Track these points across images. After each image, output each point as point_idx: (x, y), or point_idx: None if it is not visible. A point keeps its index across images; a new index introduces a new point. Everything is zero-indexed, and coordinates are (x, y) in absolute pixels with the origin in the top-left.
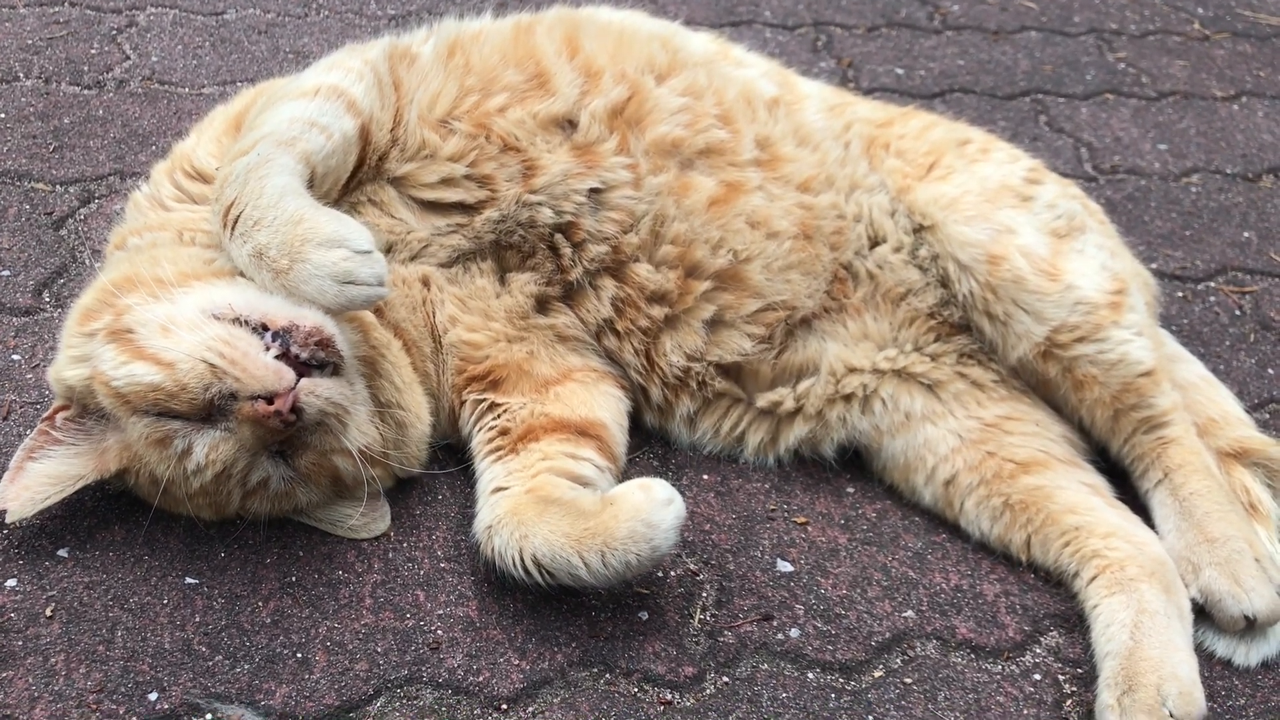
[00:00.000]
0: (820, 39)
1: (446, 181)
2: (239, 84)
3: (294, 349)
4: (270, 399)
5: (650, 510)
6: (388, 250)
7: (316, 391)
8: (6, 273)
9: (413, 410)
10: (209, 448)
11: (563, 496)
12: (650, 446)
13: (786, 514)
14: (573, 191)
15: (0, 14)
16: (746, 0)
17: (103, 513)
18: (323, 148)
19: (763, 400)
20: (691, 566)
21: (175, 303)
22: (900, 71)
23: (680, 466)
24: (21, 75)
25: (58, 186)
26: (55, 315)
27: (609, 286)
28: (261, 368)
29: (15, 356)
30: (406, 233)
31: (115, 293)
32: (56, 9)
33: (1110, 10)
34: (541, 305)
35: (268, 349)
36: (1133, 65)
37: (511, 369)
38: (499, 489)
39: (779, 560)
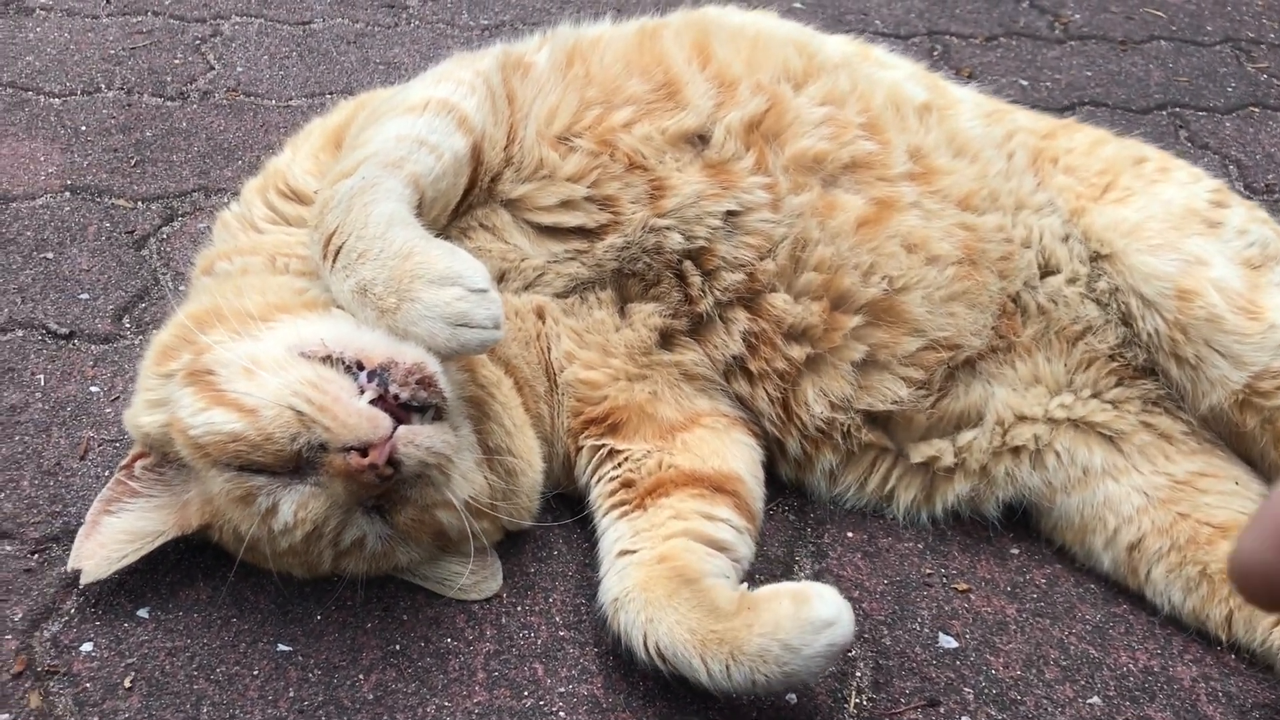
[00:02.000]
0: (936, 49)
1: (566, 204)
2: (328, 96)
3: (393, 389)
4: (364, 450)
5: (794, 632)
6: (500, 278)
7: (416, 440)
8: (85, 296)
9: (524, 456)
10: (297, 505)
11: (699, 574)
12: (785, 498)
13: (945, 579)
14: (706, 214)
15: (83, 24)
16: (855, 9)
17: (186, 567)
18: (432, 170)
19: (917, 454)
20: None
21: (261, 340)
22: (1024, 83)
23: (820, 522)
24: (103, 86)
25: (139, 203)
26: (136, 343)
27: (740, 319)
28: (354, 414)
29: (94, 388)
30: (520, 260)
31: (195, 328)
32: (139, 18)
33: (1245, 19)
34: (666, 340)
35: (362, 391)
36: (1276, 76)
37: (632, 411)
38: (626, 552)
39: (941, 634)
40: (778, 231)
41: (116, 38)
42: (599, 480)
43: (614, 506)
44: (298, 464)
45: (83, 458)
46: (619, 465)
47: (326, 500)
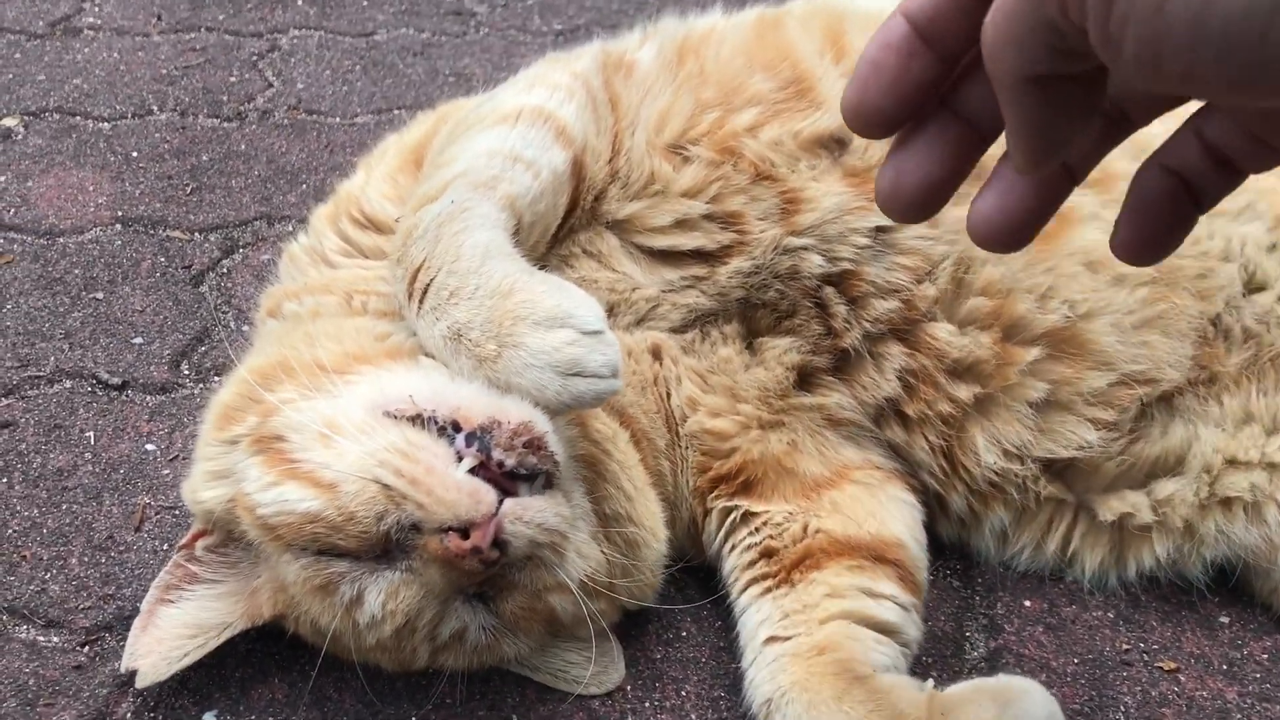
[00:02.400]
0: None
1: (681, 224)
2: (396, 112)
3: (496, 454)
4: (465, 531)
5: None
6: (608, 312)
7: (526, 516)
8: (139, 340)
9: (646, 524)
10: (386, 595)
11: (870, 668)
12: (945, 560)
13: (1146, 657)
14: (851, 231)
15: (132, 43)
16: None
17: (258, 660)
18: (529, 189)
19: (1106, 510)
20: None
21: (338, 398)
22: None
23: (990, 588)
24: (155, 109)
25: (196, 234)
26: (196, 392)
27: (895, 355)
28: (452, 488)
29: (150, 446)
30: (631, 290)
31: (261, 385)
32: (192, 35)
33: None
34: (804, 380)
35: (460, 458)
36: None
37: (768, 466)
38: (775, 639)
39: None
40: (937, 250)
41: (168, 56)
42: (733, 549)
43: (754, 581)
44: (386, 547)
45: (137, 528)
46: (756, 531)
47: (420, 589)
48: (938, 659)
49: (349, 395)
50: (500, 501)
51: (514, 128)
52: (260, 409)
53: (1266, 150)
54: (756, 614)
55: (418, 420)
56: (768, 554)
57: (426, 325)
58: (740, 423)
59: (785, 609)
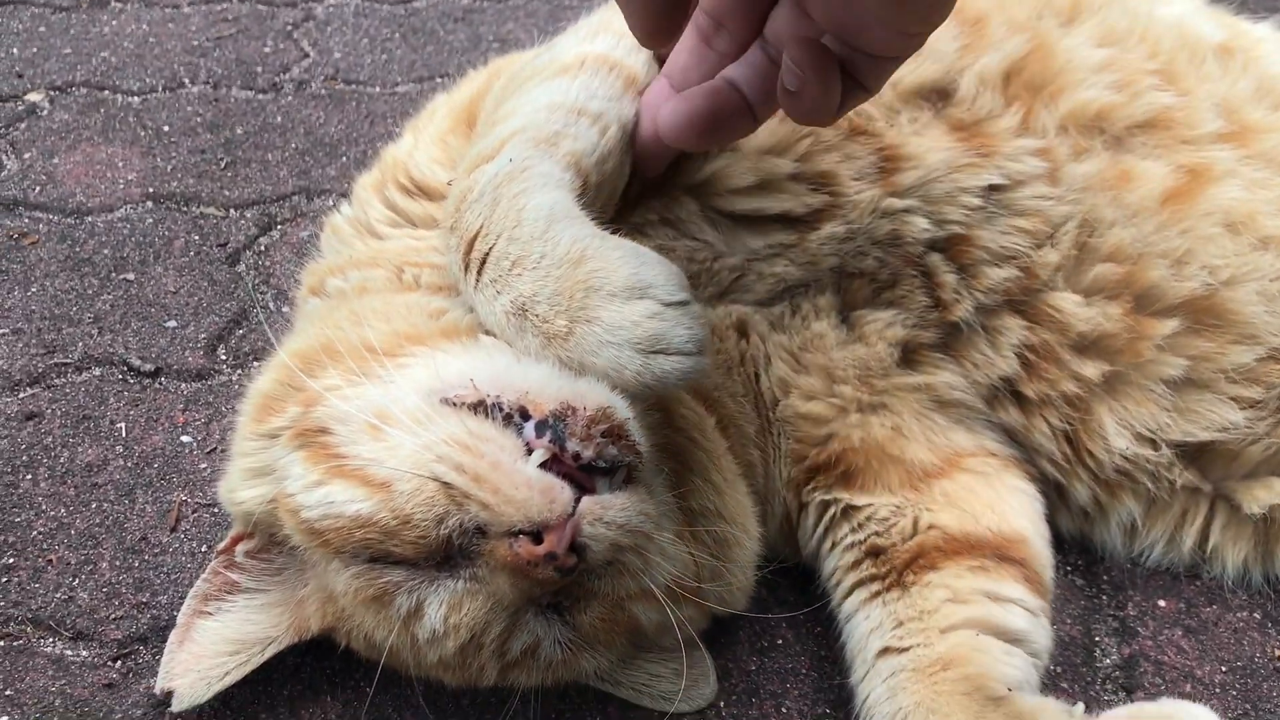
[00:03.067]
0: None
1: (765, 185)
2: (438, 80)
3: (571, 445)
4: (537, 534)
5: None
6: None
7: (606, 516)
8: (172, 324)
9: (738, 521)
10: (448, 608)
11: (1004, 686)
12: (1065, 556)
13: None
14: (960, 190)
15: (162, 14)
16: None
17: (308, 676)
18: (596, 146)
19: (1252, 501)
20: None
21: (389, 383)
22: None
23: (1118, 587)
24: (187, 81)
25: (231, 210)
26: (234, 379)
27: (1013, 329)
28: (522, 485)
29: (185, 438)
30: (712, 259)
31: (303, 369)
32: (224, 5)
33: None
34: (908, 357)
35: (529, 451)
36: None
37: (870, 453)
38: (890, 650)
39: None
40: (1058, 210)
41: (200, 27)
42: (834, 548)
43: (860, 584)
44: (447, 553)
45: (173, 529)
46: (859, 527)
47: (487, 600)
48: (1067, 668)
49: (401, 380)
50: (577, 500)
51: (576, 78)
52: (302, 398)
53: None
54: (866, 621)
55: (480, 408)
56: (874, 553)
57: (486, 300)
58: (838, 406)
59: (899, 615)
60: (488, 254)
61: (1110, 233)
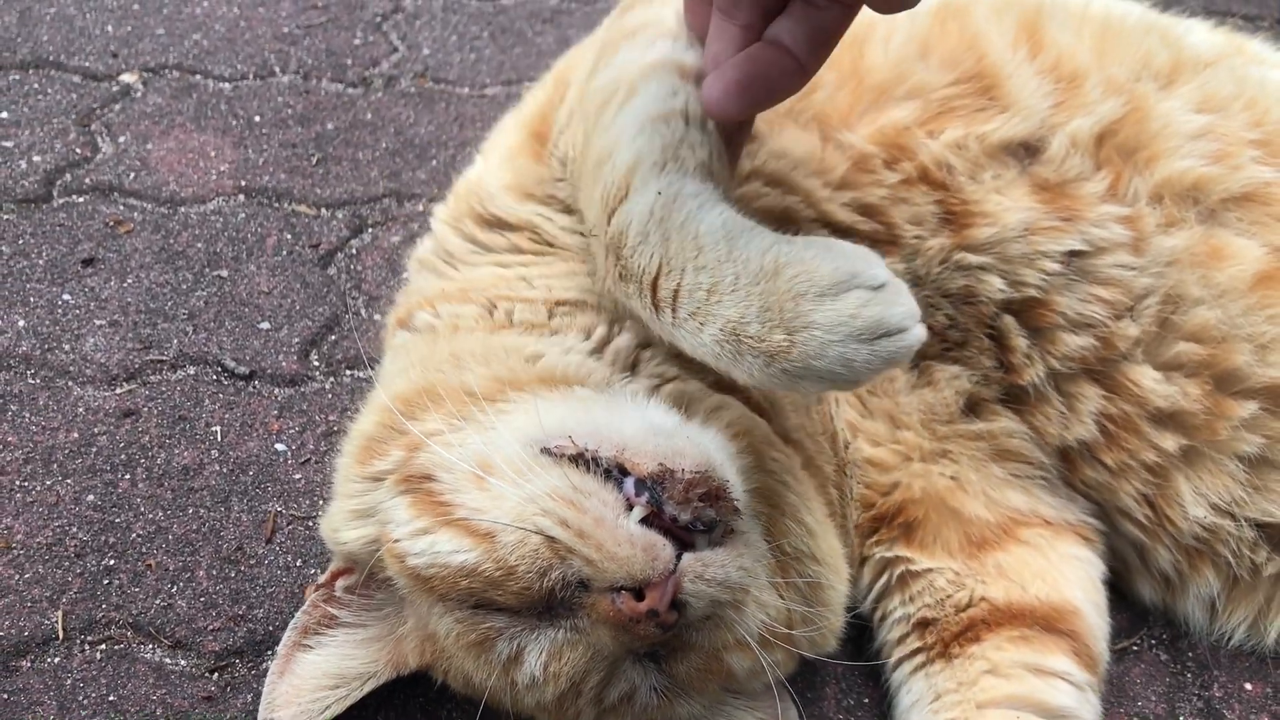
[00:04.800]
0: None
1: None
2: (527, 84)
3: (669, 510)
4: (639, 591)
5: None
6: None
7: (707, 574)
8: (265, 325)
9: (829, 563)
10: (548, 656)
11: None
12: (1150, 629)
13: None
14: (1038, 254)
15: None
16: None
17: (401, 704)
18: (709, 142)
19: None
20: None
21: (491, 429)
22: None
23: (1204, 666)
24: (277, 70)
25: (323, 210)
26: (327, 386)
27: (1091, 397)
28: (625, 543)
29: (279, 446)
30: None
31: (405, 413)
32: None
33: None
34: (972, 406)
35: (630, 506)
36: None
37: (930, 505)
38: None
39: None
40: (1141, 282)
41: (290, 14)
42: (885, 619)
43: (907, 657)
44: (549, 603)
45: (269, 540)
46: (912, 600)
47: (587, 651)
48: None
49: (503, 428)
50: (678, 557)
51: (650, 86)
52: (404, 441)
53: None
54: (908, 695)
55: (579, 460)
56: (923, 625)
57: (690, 335)
58: (901, 453)
59: (938, 689)
60: (678, 290)
61: (1195, 311)
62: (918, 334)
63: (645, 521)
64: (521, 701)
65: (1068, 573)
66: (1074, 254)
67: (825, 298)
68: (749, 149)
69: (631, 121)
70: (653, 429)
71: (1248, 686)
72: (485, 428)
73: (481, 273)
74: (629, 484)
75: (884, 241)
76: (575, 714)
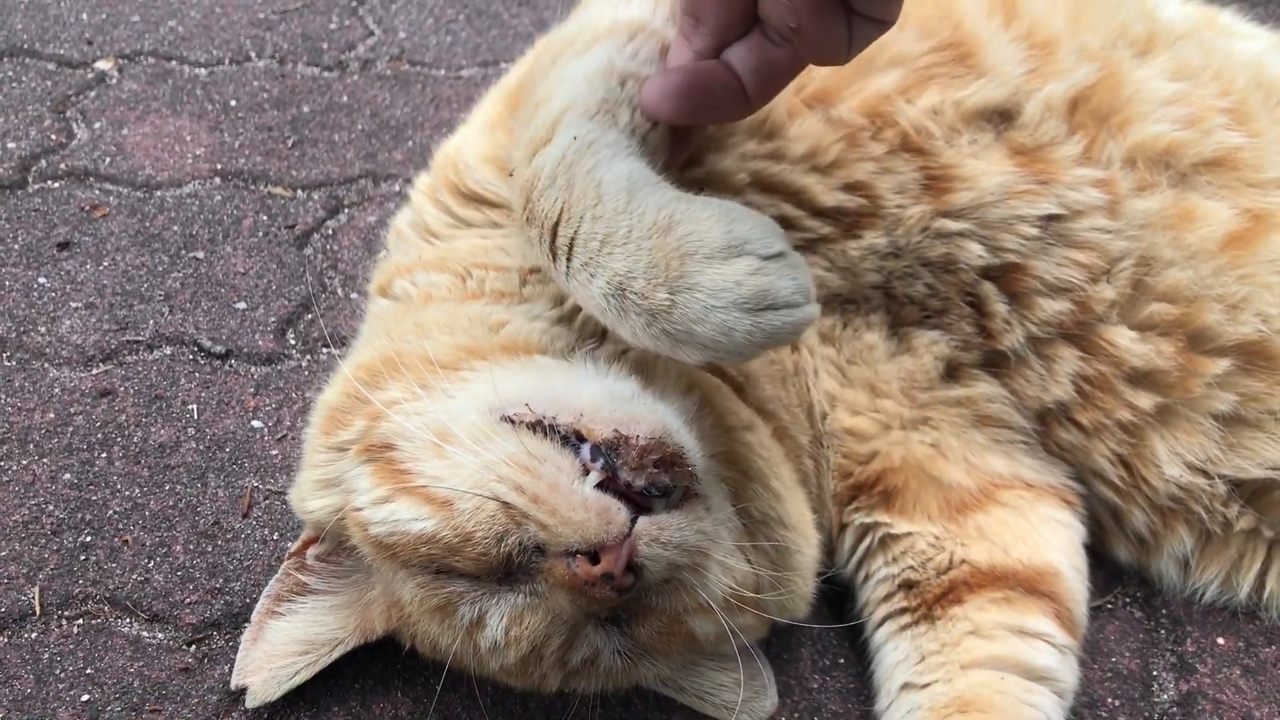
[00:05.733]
0: None
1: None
2: (503, 65)
3: (624, 476)
4: (594, 554)
5: None
6: None
7: (663, 537)
8: (241, 305)
9: (797, 527)
10: (509, 620)
11: None
12: (1125, 587)
13: None
14: (1017, 218)
15: None
16: None
17: (379, 670)
18: (655, 126)
19: None
20: None
21: (452, 399)
22: None
23: (1177, 622)
24: (253, 54)
25: (299, 191)
26: (303, 365)
27: (1068, 359)
28: (579, 507)
29: (256, 423)
30: None
31: (368, 382)
32: None
33: None
34: (951, 372)
35: (586, 472)
36: None
37: (909, 473)
38: (910, 685)
39: None
40: (1116, 245)
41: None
42: (868, 579)
43: (891, 616)
44: (508, 568)
45: (245, 515)
46: (894, 560)
47: (546, 615)
48: (1125, 702)
49: (462, 397)
50: (633, 520)
51: (613, 43)
52: (367, 411)
53: None
54: (894, 653)
55: (538, 427)
56: (907, 586)
57: (581, 285)
58: (880, 422)
59: (923, 649)
60: (574, 237)
61: (1167, 272)
62: (808, 311)
63: (601, 487)
64: (486, 665)
65: (1049, 536)
66: (1051, 218)
67: (713, 260)
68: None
69: (581, 71)
70: (610, 396)
71: (1220, 641)
72: (446, 396)
73: (461, 243)
74: (585, 450)
75: (866, 214)
76: (540, 677)
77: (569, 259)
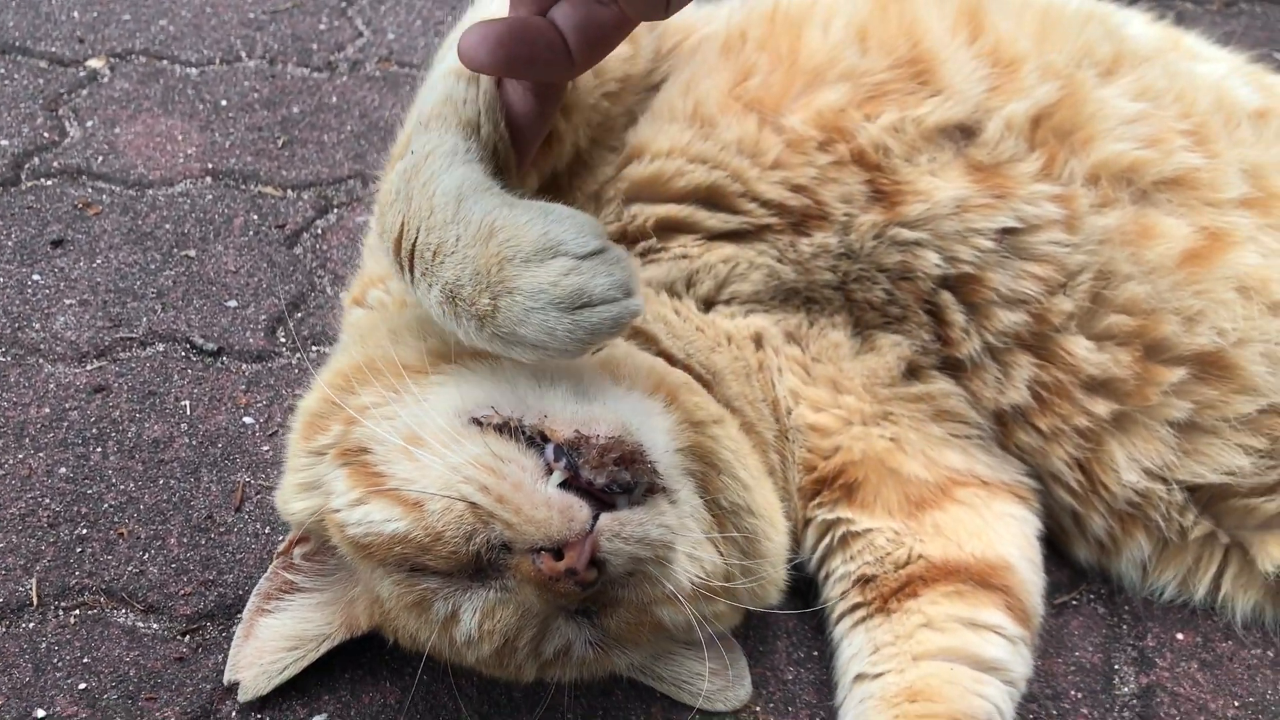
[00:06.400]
0: (1165, 16)
1: (711, 192)
2: None
3: (585, 474)
4: (558, 551)
5: None
6: (688, 283)
7: (625, 532)
8: (233, 303)
9: (765, 515)
10: (482, 615)
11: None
12: (1090, 585)
13: None
14: (972, 231)
15: None
16: None
17: (368, 661)
18: (478, 98)
19: (1265, 559)
20: None
21: (423, 402)
22: None
23: (1138, 618)
24: (244, 55)
25: (289, 191)
26: (294, 362)
27: (1024, 365)
28: (541, 505)
29: (247, 419)
30: (702, 251)
31: (343, 388)
32: None
33: None
34: (912, 371)
35: (550, 472)
36: None
37: (870, 466)
38: (863, 676)
39: None
40: (1074, 259)
41: (255, 0)
42: (828, 578)
43: (846, 613)
44: (478, 565)
45: (238, 509)
46: (853, 558)
47: (517, 609)
48: (1087, 694)
49: (432, 400)
50: (595, 517)
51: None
52: (343, 417)
53: None
54: (849, 647)
55: (504, 429)
56: (863, 581)
57: (423, 294)
58: (842, 418)
59: (876, 641)
60: (414, 249)
61: (1125, 286)
62: (627, 305)
63: (565, 486)
64: (463, 657)
65: (1002, 530)
66: (1007, 231)
67: (529, 264)
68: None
69: (435, 74)
70: (572, 396)
71: (1179, 636)
72: (416, 401)
73: None
74: (549, 450)
75: (814, 217)
76: (516, 668)
77: (411, 270)
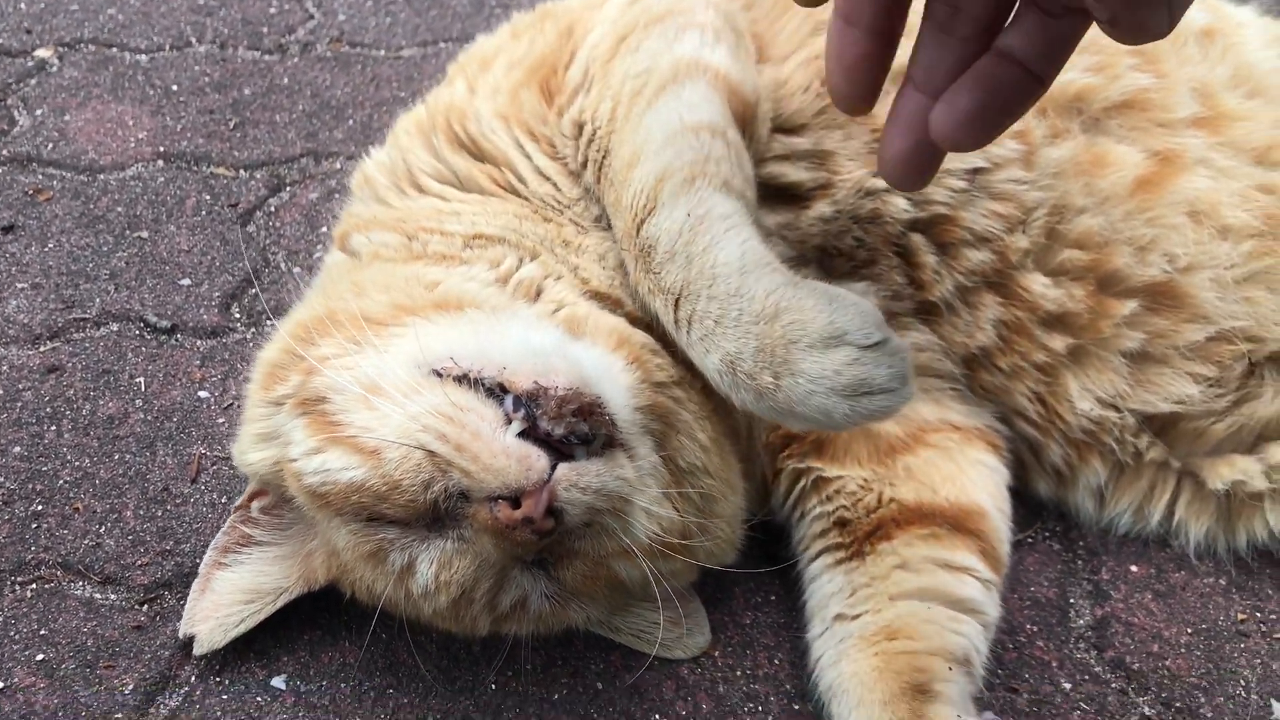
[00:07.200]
0: None
1: (785, 157)
2: (442, 44)
3: (544, 425)
4: (516, 499)
5: None
6: None
7: (581, 482)
8: (186, 282)
9: (723, 477)
10: (438, 565)
11: (935, 684)
12: (1043, 523)
13: (1264, 628)
14: (945, 171)
15: None
16: None
17: (327, 621)
18: (734, 159)
19: (1214, 478)
20: (1148, 712)
21: (383, 354)
22: None
23: (1093, 553)
24: (194, 40)
25: (241, 171)
26: (248, 337)
27: (990, 305)
28: (500, 454)
29: (203, 393)
30: None
31: (304, 338)
32: None
33: None
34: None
35: (509, 421)
36: None
37: None
38: (842, 616)
39: (1275, 702)
40: (1031, 196)
41: None
42: (804, 516)
43: (826, 550)
44: (436, 515)
45: (194, 480)
46: (828, 499)
47: (474, 559)
48: (1042, 627)
49: (392, 351)
50: (553, 467)
51: (683, 93)
52: (303, 366)
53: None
54: (829, 584)
55: (464, 380)
56: (841, 524)
57: (699, 355)
58: None
59: (854, 583)
60: (692, 314)
61: (1079, 219)
62: (904, 395)
63: (523, 436)
64: (420, 610)
65: (975, 478)
66: (976, 170)
67: (815, 349)
68: None
69: (659, 129)
70: (531, 350)
71: (1133, 569)
72: (377, 351)
73: (422, 205)
74: (508, 401)
75: (821, 187)
76: (471, 621)
77: (689, 331)
